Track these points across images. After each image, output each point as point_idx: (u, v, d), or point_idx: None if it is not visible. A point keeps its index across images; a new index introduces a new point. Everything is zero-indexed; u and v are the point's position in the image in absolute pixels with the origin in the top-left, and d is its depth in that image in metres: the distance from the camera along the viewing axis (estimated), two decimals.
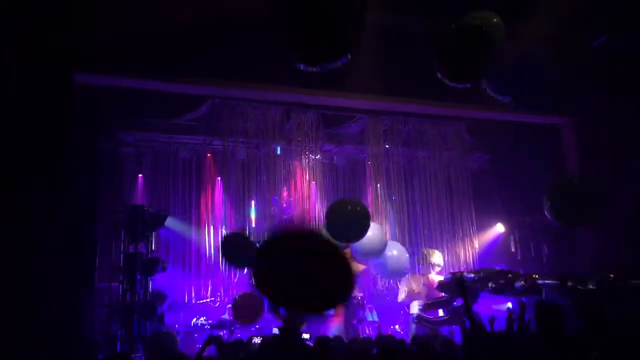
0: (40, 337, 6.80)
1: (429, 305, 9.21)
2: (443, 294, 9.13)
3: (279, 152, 10.62)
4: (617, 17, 8.43)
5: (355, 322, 9.54)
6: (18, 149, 7.16)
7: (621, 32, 8.62)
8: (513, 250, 11.42)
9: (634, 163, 9.08)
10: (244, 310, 8.65)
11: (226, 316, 9.56)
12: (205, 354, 5.17)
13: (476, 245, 11.57)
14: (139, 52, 7.98)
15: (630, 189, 8.79)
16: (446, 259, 11.26)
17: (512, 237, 11.57)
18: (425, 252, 10.72)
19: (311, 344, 5.39)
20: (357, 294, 9.91)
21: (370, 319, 10.24)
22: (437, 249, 11.14)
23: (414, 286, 10.04)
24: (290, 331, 5.24)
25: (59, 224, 7.33)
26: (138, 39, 7.83)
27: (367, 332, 9.64)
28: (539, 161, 10.76)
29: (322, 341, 5.07)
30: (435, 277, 10.37)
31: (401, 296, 10.23)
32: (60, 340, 7.00)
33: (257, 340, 6.87)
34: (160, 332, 7.95)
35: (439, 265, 10.63)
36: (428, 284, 10.04)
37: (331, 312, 4.03)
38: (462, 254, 11.45)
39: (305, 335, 7.90)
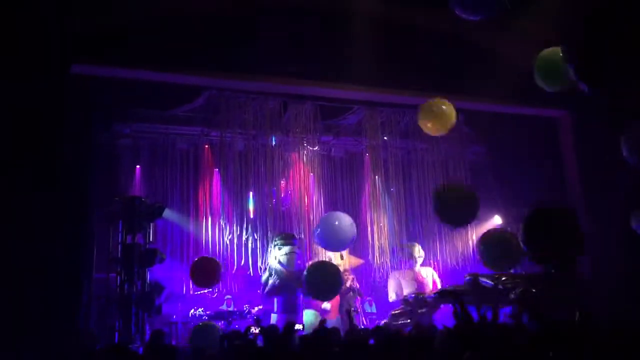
0: (39, 329, 6.81)
1: (395, 316, 9.26)
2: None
3: (273, 143, 10.58)
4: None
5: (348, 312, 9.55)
6: (14, 141, 7.15)
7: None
8: None
9: None
10: (202, 273, 8.63)
11: (224, 307, 9.59)
12: None
13: (473, 237, 11.58)
14: (137, 43, 7.97)
15: (627, 182, 8.79)
16: (444, 251, 11.31)
17: (509, 229, 11.57)
18: (407, 247, 10.65)
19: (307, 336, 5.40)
20: (355, 284, 9.93)
21: (368, 310, 10.27)
22: (434, 240, 11.20)
23: (404, 283, 10.05)
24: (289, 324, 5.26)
25: (55, 216, 7.33)
26: (135, 30, 7.82)
27: (365, 323, 9.67)
28: (536, 154, 10.78)
29: (319, 333, 5.09)
30: (422, 270, 10.39)
31: (392, 297, 10.22)
32: (58, 331, 7.01)
33: (254, 330, 6.87)
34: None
35: (420, 257, 10.63)
36: (417, 279, 10.08)
37: None
38: (459, 245, 11.47)
39: (299, 326, 7.92)
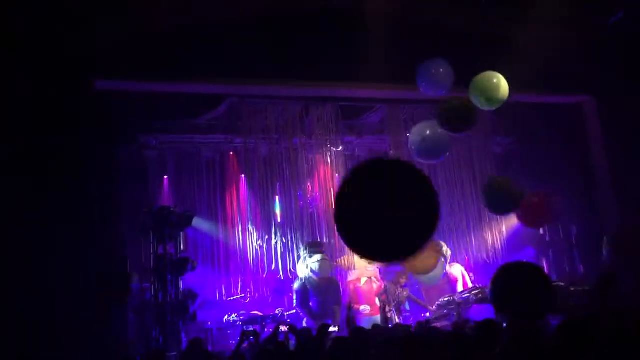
0: (79, 340, 6.93)
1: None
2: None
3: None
4: None
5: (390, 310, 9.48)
6: (40, 160, 7.28)
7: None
8: (541, 232, 11.29)
9: None
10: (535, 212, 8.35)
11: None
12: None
13: (503, 229, 11.46)
14: (156, 56, 8.05)
15: None
16: (473, 244, 11.22)
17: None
18: (438, 247, 10.45)
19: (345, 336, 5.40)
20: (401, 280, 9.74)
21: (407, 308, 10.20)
22: (463, 234, 11.10)
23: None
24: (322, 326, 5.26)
25: (87, 232, 7.47)
26: (155, 43, 7.90)
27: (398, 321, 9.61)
28: (563, 141, 10.65)
29: (358, 332, 5.09)
30: (452, 268, 10.28)
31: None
32: (96, 341, 7.14)
33: (283, 328, 6.82)
34: None
35: (449, 256, 10.50)
36: (447, 277, 10.00)
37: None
38: (489, 238, 11.37)
39: (334, 329, 7.90)
